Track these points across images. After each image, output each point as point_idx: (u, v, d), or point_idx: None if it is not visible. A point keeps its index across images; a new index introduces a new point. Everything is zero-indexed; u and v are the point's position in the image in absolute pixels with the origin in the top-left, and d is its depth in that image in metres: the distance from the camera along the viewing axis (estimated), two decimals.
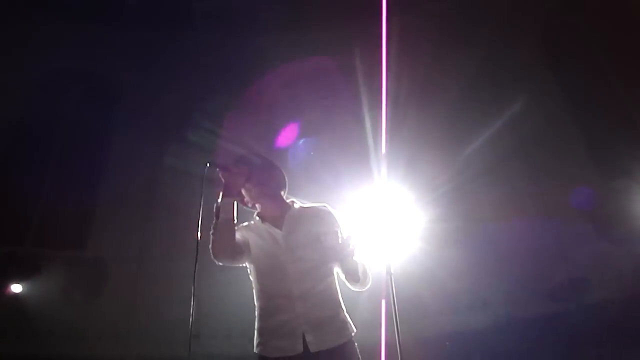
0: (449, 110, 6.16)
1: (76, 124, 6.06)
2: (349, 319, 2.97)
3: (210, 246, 2.86)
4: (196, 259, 2.85)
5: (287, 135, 5.61)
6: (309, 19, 6.31)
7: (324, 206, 3.06)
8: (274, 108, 6.49)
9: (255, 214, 3.07)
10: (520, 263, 5.82)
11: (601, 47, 6.09)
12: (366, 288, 3.03)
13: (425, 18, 6.25)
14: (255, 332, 2.95)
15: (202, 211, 2.88)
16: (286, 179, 3.10)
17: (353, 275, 2.98)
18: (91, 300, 5.69)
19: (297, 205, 3.08)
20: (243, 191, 3.01)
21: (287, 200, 3.09)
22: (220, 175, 2.93)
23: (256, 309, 2.97)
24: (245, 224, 3.02)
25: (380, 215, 4.52)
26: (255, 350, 2.93)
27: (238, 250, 2.91)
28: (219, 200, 2.90)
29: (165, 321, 5.39)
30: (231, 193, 2.92)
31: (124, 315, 5.65)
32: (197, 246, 2.84)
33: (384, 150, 5.67)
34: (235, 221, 2.92)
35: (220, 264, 2.87)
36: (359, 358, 2.94)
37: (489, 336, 5.54)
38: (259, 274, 2.96)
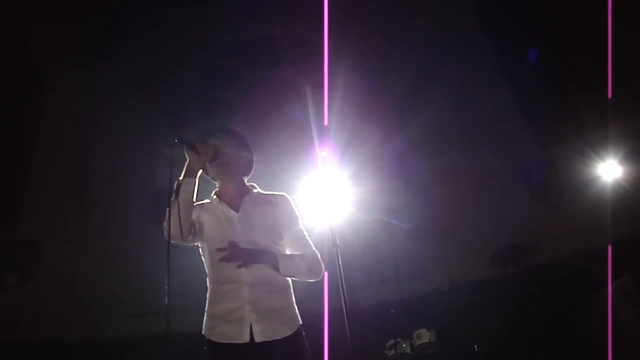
0: (391, 83, 6.18)
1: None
2: (297, 310, 2.95)
3: (164, 224, 2.78)
4: (169, 237, 2.77)
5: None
6: None
7: (283, 195, 3.01)
8: (210, 78, 6.38)
9: (213, 192, 3.00)
10: (460, 230, 5.96)
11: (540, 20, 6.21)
12: (318, 279, 3.02)
13: None
14: (205, 315, 2.91)
15: (170, 189, 2.78)
16: (253, 164, 3.03)
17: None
18: (25, 283, 5.51)
19: (256, 190, 3.02)
20: (207, 165, 2.93)
21: (247, 184, 3.03)
22: (185, 152, 2.83)
23: (208, 292, 2.92)
24: (201, 202, 2.94)
25: (322, 186, 4.50)
26: (203, 333, 2.89)
27: (193, 231, 2.84)
28: (180, 178, 2.81)
29: (104, 301, 5.30)
30: (194, 172, 2.83)
31: (62, 297, 5.50)
32: (169, 225, 2.75)
33: (325, 121, 5.66)
34: (195, 201, 2.84)
35: (173, 242, 2.79)
36: (306, 349, 2.92)
37: (431, 302, 5.68)
38: (211, 257, 2.90)
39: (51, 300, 5.51)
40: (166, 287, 2.71)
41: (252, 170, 3.03)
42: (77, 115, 5.92)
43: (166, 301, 2.72)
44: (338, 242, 3.33)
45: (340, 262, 3.33)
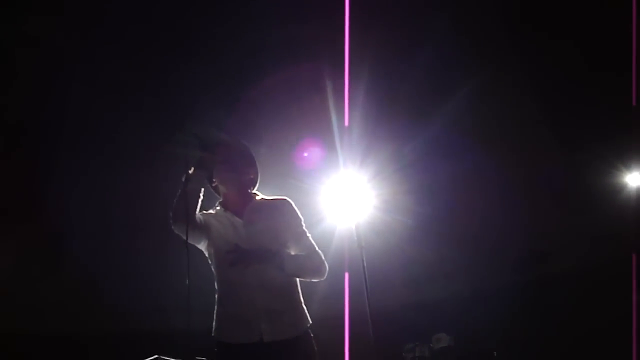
0: (412, 85, 6.16)
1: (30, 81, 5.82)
2: (305, 310, 3.02)
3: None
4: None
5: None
6: None
7: (285, 199, 3.08)
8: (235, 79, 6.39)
9: (218, 202, 3.08)
10: (480, 235, 5.94)
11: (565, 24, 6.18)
12: (323, 279, 3.07)
13: None
14: (214, 316, 2.99)
15: (185, 183, 2.86)
16: (258, 181, 3.12)
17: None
18: (49, 275, 5.58)
19: (258, 197, 3.10)
20: (214, 171, 3.02)
21: (251, 193, 3.10)
22: (198, 150, 2.92)
23: (216, 294, 3.00)
24: (207, 211, 3.02)
25: (343, 188, 4.51)
26: (213, 334, 2.97)
27: (197, 225, 2.90)
28: (190, 172, 2.89)
29: (129, 294, 5.35)
30: (204, 169, 2.93)
31: (86, 290, 5.56)
32: (188, 216, 2.82)
33: (346, 122, 5.67)
34: (201, 197, 2.91)
35: (177, 232, 2.86)
36: (314, 349, 2.98)
37: (451, 306, 5.67)
38: (219, 262, 2.97)
39: (74, 293, 5.57)
40: (187, 281, 2.79)
41: (257, 185, 3.11)
42: (101, 110, 5.97)
43: (187, 295, 2.79)
44: (363, 244, 3.35)
45: (365, 264, 3.35)
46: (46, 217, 5.84)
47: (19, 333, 5.43)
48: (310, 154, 5.29)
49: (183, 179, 2.85)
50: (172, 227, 2.85)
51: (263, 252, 2.90)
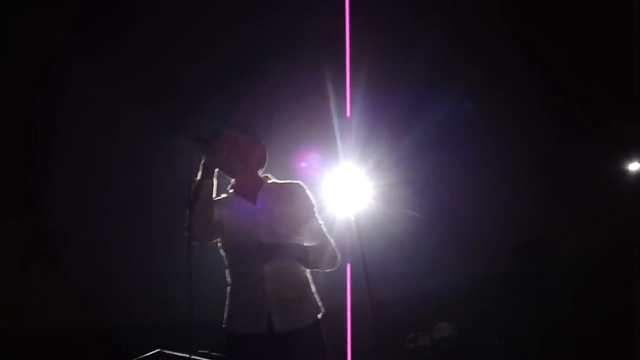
0: (412, 77, 6.16)
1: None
2: (317, 299, 2.96)
3: (187, 226, 2.75)
4: (194, 240, 2.77)
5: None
6: None
7: (298, 183, 3.01)
8: (232, 71, 6.39)
9: (229, 186, 3.01)
10: (479, 225, 5.95)
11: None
12: (335, 268, 3.02)
13: None
14: (226, 308, 2.94)
15: (189, 186, 2.77)
16: (267, 157, 3.03)
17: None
18: (50, 271, 5.59)
19: (270, 181, 3.02)
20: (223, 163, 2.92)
21: (262, 176, 3.03)
22: (200, 150, 2.82)
23: (228, 285, 2.95)
24: (218, 198, 2.93)
25: (343, 178, 4.53)
26: (224, 325, 2.93)
27: (215, 230, 2.86)
28: (199, 177, 2.81)
29: (133, 289, 5.37)
30: (211, 172, 2.83)
31: (86, 285, 5.58)
32: (190, 219, 2.74)
33: (348, 114, 5.69)
34: (215, 197, 2.85)
35: (196, 243, 2.78)
36: (323, 339, 2.94)
37: (452, 296, 5.69)
38: (230, 250, 2.93)
39: (75, 288, 5.59)
40: (189, 274, 2.72)
41: (266, 162, 3.03)
42: (100, 107, 5.99)
43: (190, 291, 2.73)
44: (362, 235, 3.35)
45: (364, 256, 3.35)
46: (45, 213, 5.86)
47: (19, 329, 5.45)
48: (309, 162, 5.26)
49: (192, 194, 2.76)
50: (192, 241, 2.75)
51: (284, 245, 2.86)
